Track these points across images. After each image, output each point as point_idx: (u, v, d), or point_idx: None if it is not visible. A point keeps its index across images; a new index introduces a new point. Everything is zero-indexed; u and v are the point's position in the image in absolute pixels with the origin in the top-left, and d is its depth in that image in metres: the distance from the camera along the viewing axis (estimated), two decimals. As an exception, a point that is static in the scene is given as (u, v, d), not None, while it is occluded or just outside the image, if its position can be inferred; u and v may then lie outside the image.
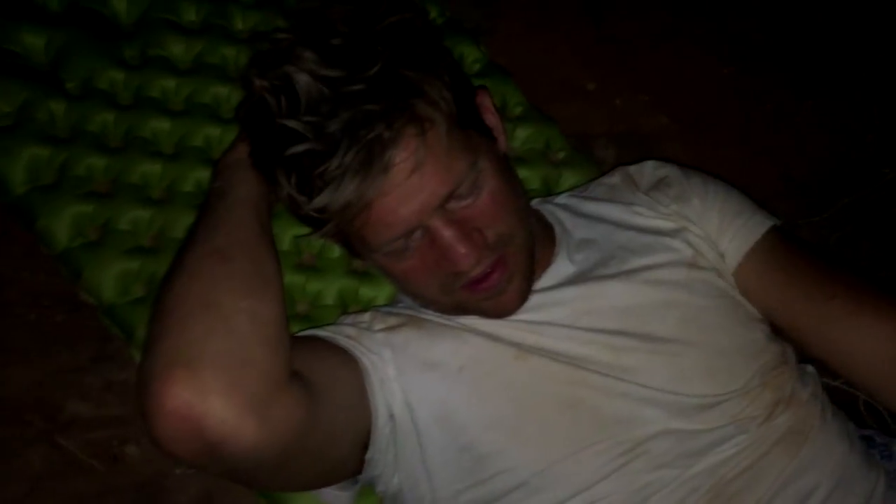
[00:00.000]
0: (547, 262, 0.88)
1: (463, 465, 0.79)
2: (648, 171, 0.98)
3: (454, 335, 0.82)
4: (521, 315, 0.82)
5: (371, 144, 0.69)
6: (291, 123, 0.69)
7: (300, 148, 0.70)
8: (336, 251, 1.07)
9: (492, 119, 0.84)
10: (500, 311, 0.81)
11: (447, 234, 0.74)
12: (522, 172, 1.17)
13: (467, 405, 0.79)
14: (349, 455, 0.78)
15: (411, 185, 0.71)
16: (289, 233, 1.05)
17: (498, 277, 0.77)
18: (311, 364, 0.73)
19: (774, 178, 1.33)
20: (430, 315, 0.84)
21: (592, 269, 0.87)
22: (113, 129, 1.06)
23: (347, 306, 1.05)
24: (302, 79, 0.70)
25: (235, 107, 1.07)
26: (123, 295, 0.98)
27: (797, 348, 0.90)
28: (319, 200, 0.71)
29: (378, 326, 0.83)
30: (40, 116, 1.03)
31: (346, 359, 0.79)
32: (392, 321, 0.84)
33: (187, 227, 1.00)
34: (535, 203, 0.98)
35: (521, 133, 1.21)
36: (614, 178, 0.99)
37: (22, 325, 0.99)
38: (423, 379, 0.80)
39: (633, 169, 0.99)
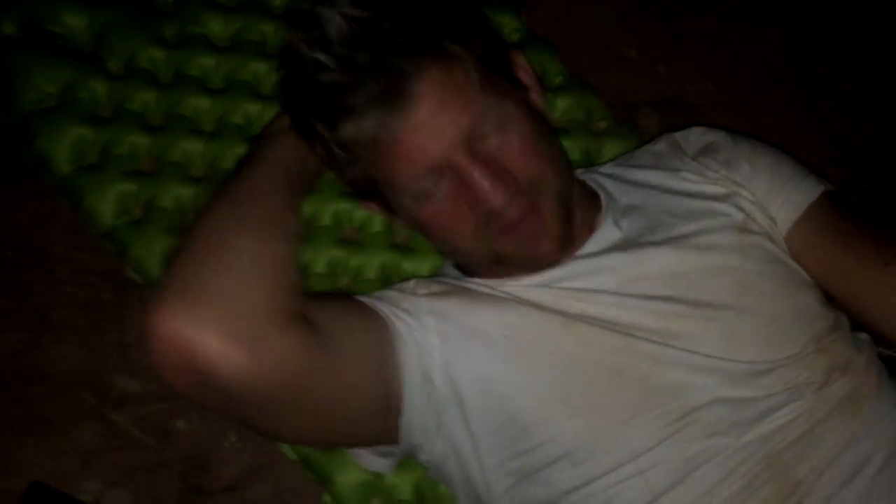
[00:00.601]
0: (592, 228, 0.87)
1: (508, 435, 0.78)
2: (695, 136, 0.97)
3: (498, 303, 0.81)
4: (567, 283, 0.82)
5: (395, 76, 0.72)
6: (320, 55, 0.73)
7: (326, 78, 0.73)
8: (378, 225, 1.07)
9: (526, 76, 0.85)
10: (538, 258, 0.81)
11: (475, 172, 0.75)
12: (563, 143, 1.15)
13: (512, 374, 0.79)
14: (372, 416, 0.77)
15: (437, 121, 0.73)
16: (330, 208, 1.05)
17: (533, 222, 0.78)
18: (329, 314, 0.74)
19: (826, 143, 1.29)
20: (474, 285, 0.84)
21: (639, 235, 0.86)
22: (154, 107, 1.07)
23: (390, 280, 1.04)
24: (333, 18, 0.73)
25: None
26: (169, 272, 0.99)
27: (850, 316, 0.87)
28: (344, 130, 0.74)
29: (422, 291, 0.83)
30: (83, 96, 1.04)
31: (376, 318, 0.78)
32: (436, 288, 0.84)
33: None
34: (578, 173, 0.97)
35: (562, 103, 1.18)
36: (660, 145, 0.98)
37: (71, 303, 1.00)
38: (466, 347, 0.79)
39: (679, 135, 0.98)
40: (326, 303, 0.77)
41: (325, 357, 0.71)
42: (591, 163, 1.15)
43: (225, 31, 1.13)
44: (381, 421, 0.78)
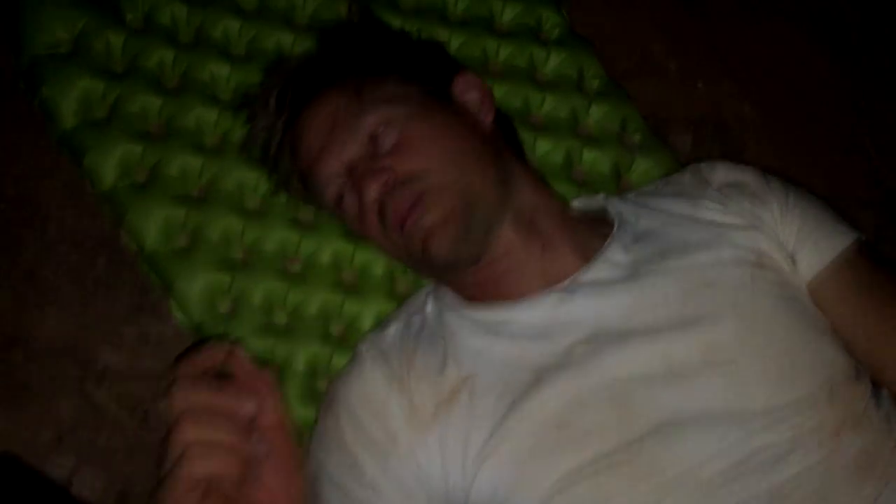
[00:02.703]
0: (598, 248, 0.84)
1: None
2: (722, 169, 0.93)
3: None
4: (569, 315, 0.79)
5: (298, 107, 0.90)
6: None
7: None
8: (378, 269, 1.01)
9: (465, 93, 0.92)
10: (433, 253, 0.80)
11: (358, 168, 0.83)
12: (592, 154, 1.11)
13: (499, 441, 0.75)
14: None
15: (324, 133, 0.86)
16: (329, 248, 0.99)
17: (415, 216, 0.80)
18: None
19: (863, 184, 1.25)
20: (469, 321, 0.82)
21: (648, 261, 0.83)
22: (171, 67, 1.02)
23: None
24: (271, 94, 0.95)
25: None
26: (166, 243, 0.94)
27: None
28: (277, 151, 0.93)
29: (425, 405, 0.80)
30: (97, 47, 0.99)
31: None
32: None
33: (237, 181, 0.99)
34: (600, 198, 0.94)
35: (596, 110, 1.13)
36: (685, 176, 0.96)
37: (61, 266, 0.95)
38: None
39: (705, 166, 0.95)
40: None
41: None
42: (619, 177, 1.11)
43: (253, -5, 1.07)
44: None
